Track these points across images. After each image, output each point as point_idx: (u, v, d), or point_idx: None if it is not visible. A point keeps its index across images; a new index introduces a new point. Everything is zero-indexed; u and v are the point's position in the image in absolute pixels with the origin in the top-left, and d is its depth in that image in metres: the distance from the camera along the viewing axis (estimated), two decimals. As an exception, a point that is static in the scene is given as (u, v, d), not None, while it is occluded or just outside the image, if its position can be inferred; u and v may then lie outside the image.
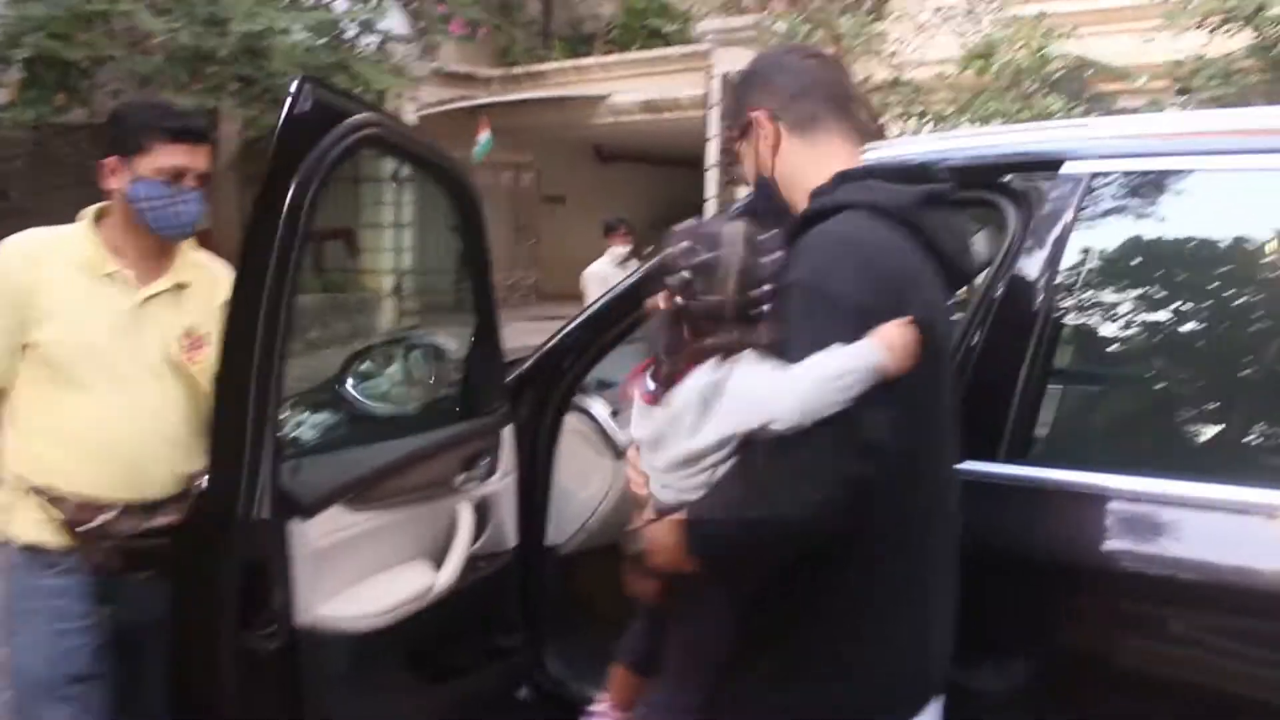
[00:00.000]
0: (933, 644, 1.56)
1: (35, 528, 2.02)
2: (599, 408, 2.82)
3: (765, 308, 1.45)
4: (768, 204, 1.69)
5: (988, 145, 2.26)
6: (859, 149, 1.68)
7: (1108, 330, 2.02)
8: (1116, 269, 1.99)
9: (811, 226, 1.51)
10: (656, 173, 16.13)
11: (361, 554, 1.98)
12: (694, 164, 12.78)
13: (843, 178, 1.58)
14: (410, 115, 12.80)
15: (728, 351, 1.44)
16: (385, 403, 2.55)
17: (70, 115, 10.52)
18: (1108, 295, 1.99)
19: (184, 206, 2.06)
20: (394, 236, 13.03)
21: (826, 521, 1.35)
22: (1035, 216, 2.00)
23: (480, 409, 2.47)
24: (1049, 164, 2.03)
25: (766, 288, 1.45)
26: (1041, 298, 1.93)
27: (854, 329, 1.37)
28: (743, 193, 1.90)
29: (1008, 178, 2.09)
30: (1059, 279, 1.94)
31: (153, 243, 2.10)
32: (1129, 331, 1.99)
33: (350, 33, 11.31)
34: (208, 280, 2.18)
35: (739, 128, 1.70)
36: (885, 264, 1.47)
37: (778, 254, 1.48)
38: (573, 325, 2.68)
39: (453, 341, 2.72)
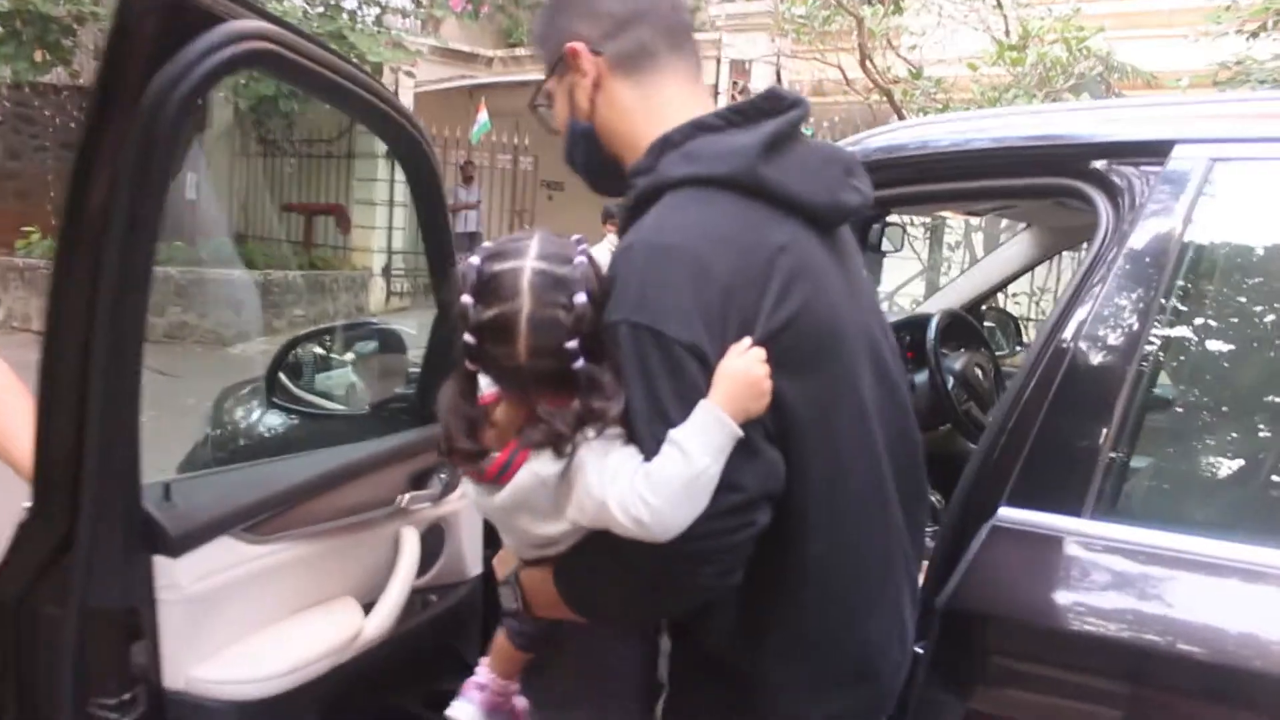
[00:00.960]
0: (871, 634, 1.34)
1: None
2: None
3: (577, 364, 1.16)
4: (588, 161, 1.38)
5: (1069, 125, 1.85)
6: (700, 94, 1.36)
7: (1230, 355, 1.60)
8: (1242, 278, 1.57)
9: (638, 218, 1.23)
10: (660, 162, 15.62)
11: (265, 596, 1.55)
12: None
13: (664, 143, 1.26)
14: (407, 92, 12.40)
15: (551, 438, 1.18)
16: (319, 403, 2.12)
17: (50, 75, 10.10)
18: (1230, 311, 1.57)
19: None
20: (386, 214, 12.58)
21: (711, 593, 1.20)
22: (1135, 213, 1.59)
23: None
24: (1154, 148, 1.62)
25: (573, 341, 1.16)
26: (1142, 314, 1.51)
27: (703, 373, 1.14)
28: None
29: (1098, 164, 1.68)
30: (1166, 291, 1.52)
31: None
32: (1258, 357, 1.57)
33: (350, 3, 10.92)
34: None
35: (549, 63, 1.36)
36: (725, 267, 1.16)
37: (582, 279, 1.18)
38: None
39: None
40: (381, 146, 12.27)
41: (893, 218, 2.77)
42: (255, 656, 1.50)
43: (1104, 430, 1.49)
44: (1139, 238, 1.57)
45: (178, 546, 1.33)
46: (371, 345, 2.28)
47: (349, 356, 2.26)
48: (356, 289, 12.30)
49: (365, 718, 1.83)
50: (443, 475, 1.98)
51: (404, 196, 12.59)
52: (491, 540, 2.22)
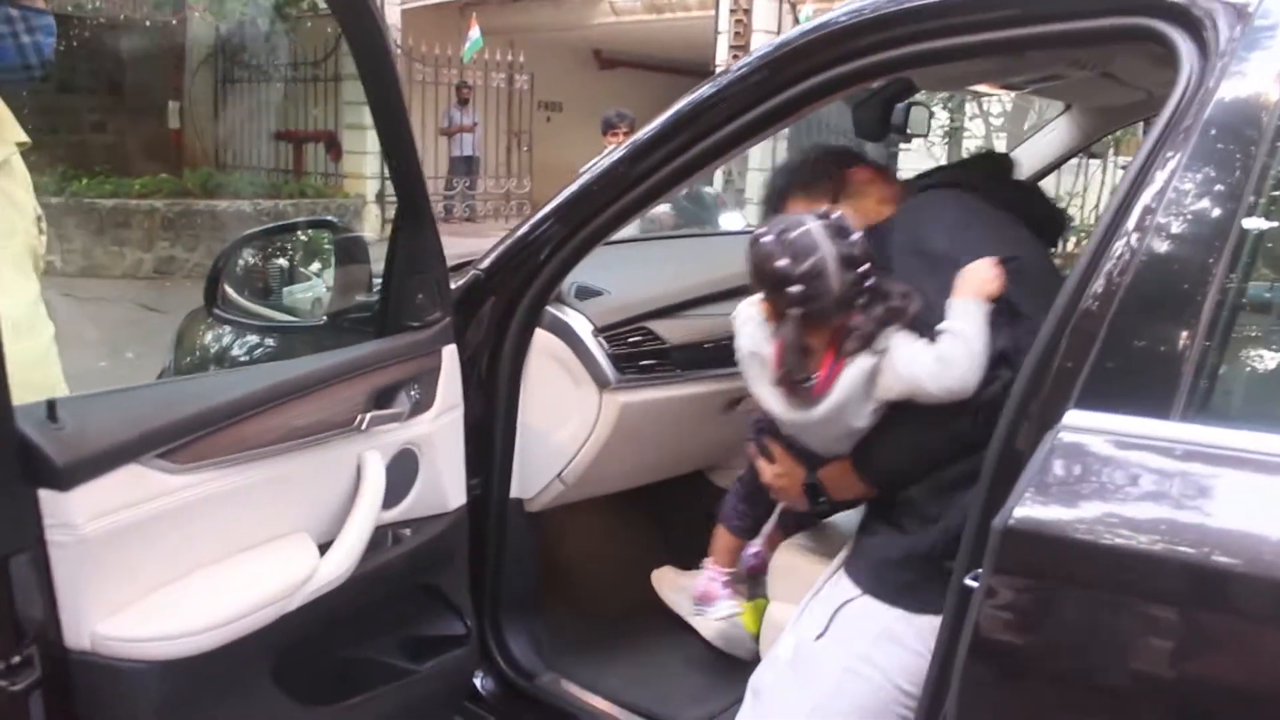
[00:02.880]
0: None
1: None
2: (579, 323, 2.10)
3: (869, 282, 1.60)
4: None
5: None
6: None
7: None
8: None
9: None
10: (659, 80, 15.18)
11: (191, 535, 1.30)
12: (700, 71, 11.92)
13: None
14: (394, 8, 11.95)
15: (865, 340, 1.60)
16: (267, 314, 1.85)
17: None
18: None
19: (40, 37, 1.32)
20: (378, 140, 12.17)
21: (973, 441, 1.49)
22: (1228, 57, 1.30)
23: (405, 322, 1.78)
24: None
25: (864, 267, 1.61)
26: (1239, 183, 1.24)
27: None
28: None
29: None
30: (1270, 154, 1.24)
31: None
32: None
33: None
34: None
35: None
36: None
37: (857, 233, 1.64)
38: (544, 214, 2.00)
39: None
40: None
41: (919, 97, 2.48)
42: (180, 607, 1.25)
43: (1193, 319, 1.23)
44: (1233, 88, 1.28)
45: (67, 477, 1.08)
46: (328, 248, 2.00)
47: (304, 261, 1.98)
48: (350, 217, 11.98)
49: (329, 671, 1.60)
50: (413, 392, 1.73)
51: (395, 120, 12.19)
52: (478, 469, 1.98)
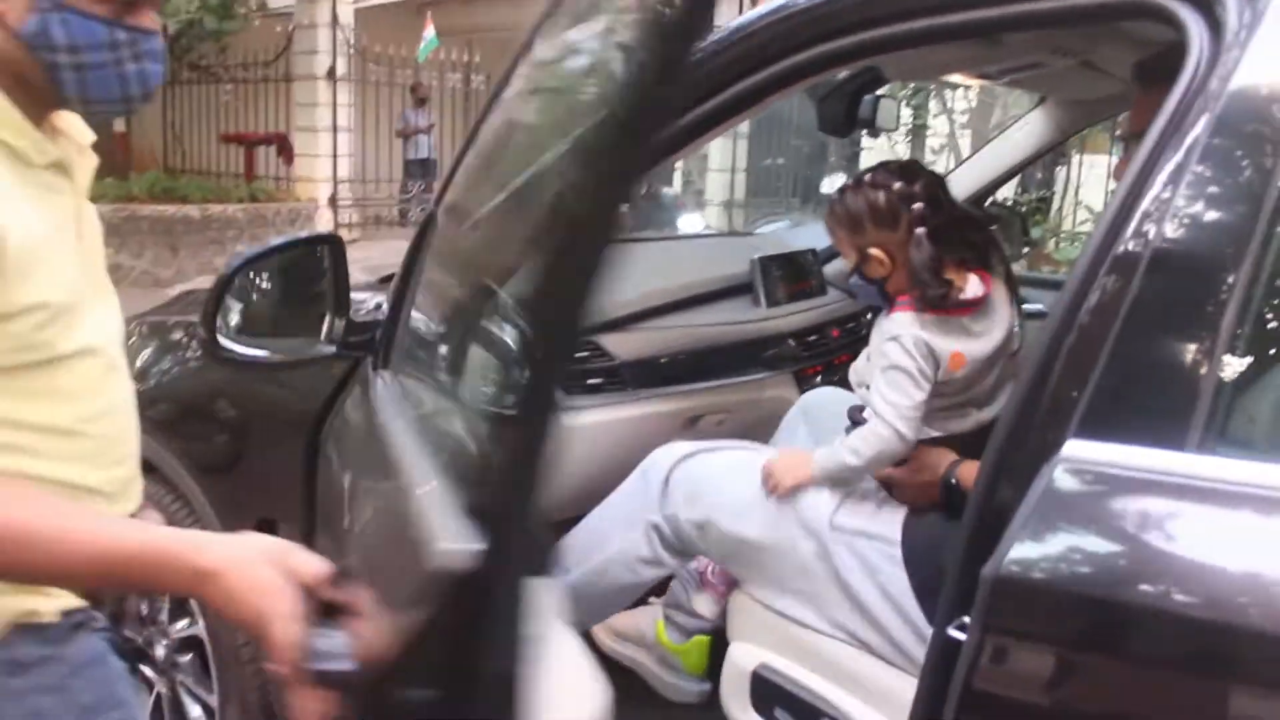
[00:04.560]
0: None
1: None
2: None
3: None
4: None
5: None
6: None
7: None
8: None
9: None
10: (619, 80, 15.00)
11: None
12: (659, 68, 11.79)
13: None
14: (347, 8, 11.70)
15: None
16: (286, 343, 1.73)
17: None
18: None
19: (147, 64, 1.14)
20: (330, 141, 11.92)
21: None
22: (1244, 36, 1.14)
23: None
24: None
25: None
26: (1261, 178, 1.08)
27: None
28: None
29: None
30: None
31: (40, 112, 1.15)
32: None
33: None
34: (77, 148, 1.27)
35: None
36: None
37: None
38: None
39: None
40: (322, 67, 11.71)
41: (884, 90, 2.33)
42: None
43: (1211, 334, 1.07)
44: (1251, 72, 1.12)
45: None
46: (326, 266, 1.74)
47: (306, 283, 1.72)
48: (302, 221, 11.70)
49: None
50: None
51: (348, 121, 11.95)
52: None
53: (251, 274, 1.69)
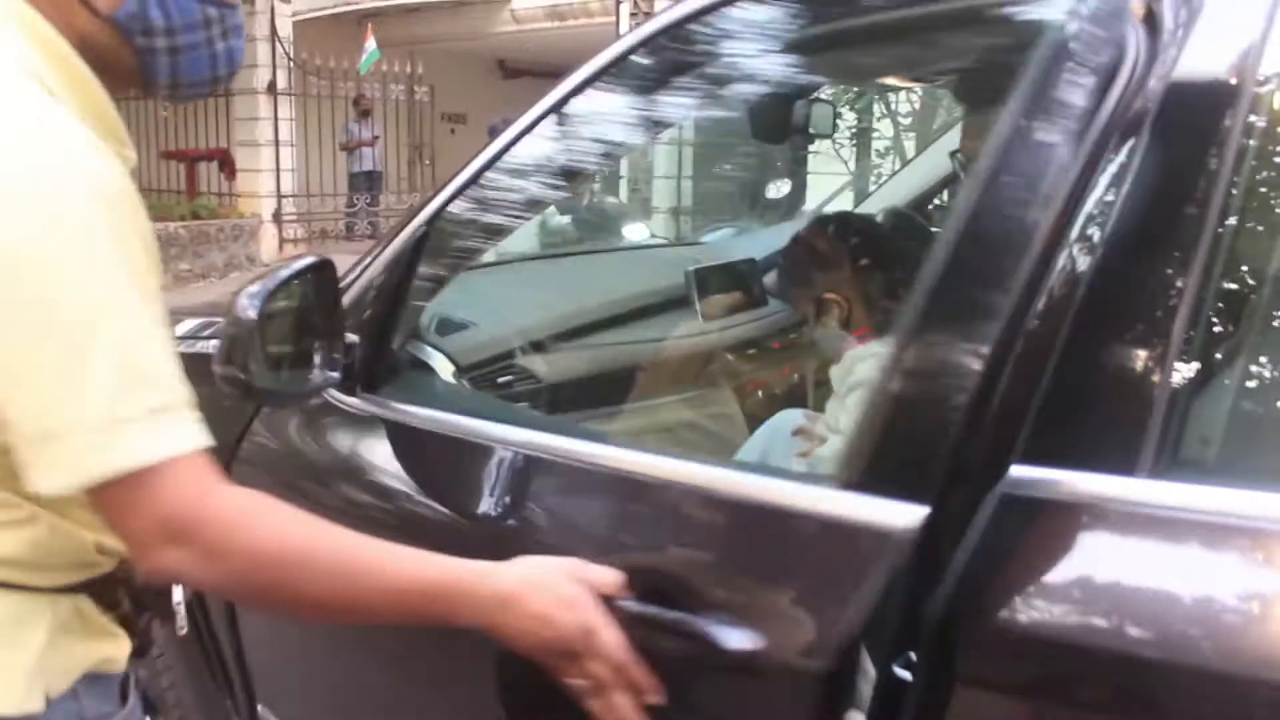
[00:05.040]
0: None
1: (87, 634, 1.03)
2: (439, 364, 1.72)
3: None
4: None
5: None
6: None
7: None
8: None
9: None
10: (566, 89, 14.93)
11: None
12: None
13: None
14: (285, 21, 11.52)
15: None
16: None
17: None
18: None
19: (234, 41, 1.09)
20: (272, 155, 11.71)
21: None
22: (1184, 31, 1.07)
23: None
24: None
25: None
26: (1205, 180, 1.01)
27: None
28: None
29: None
30: (1239, 160, 1.01)
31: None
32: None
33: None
34: None
35: None
36: None
37: None
38: (401, 240, 1.67)
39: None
40: (262, 81, 11.54)
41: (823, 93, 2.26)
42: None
43: (1163, 353, 0.99)
44: (1188, 71, 1.05)
45: None
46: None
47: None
48: (246, 238, 11.49)
49: None
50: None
51: (290, 135, 11.76)
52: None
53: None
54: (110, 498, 0.87)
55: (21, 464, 0.87)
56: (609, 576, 0.97)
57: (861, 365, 1.68)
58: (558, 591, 0.95)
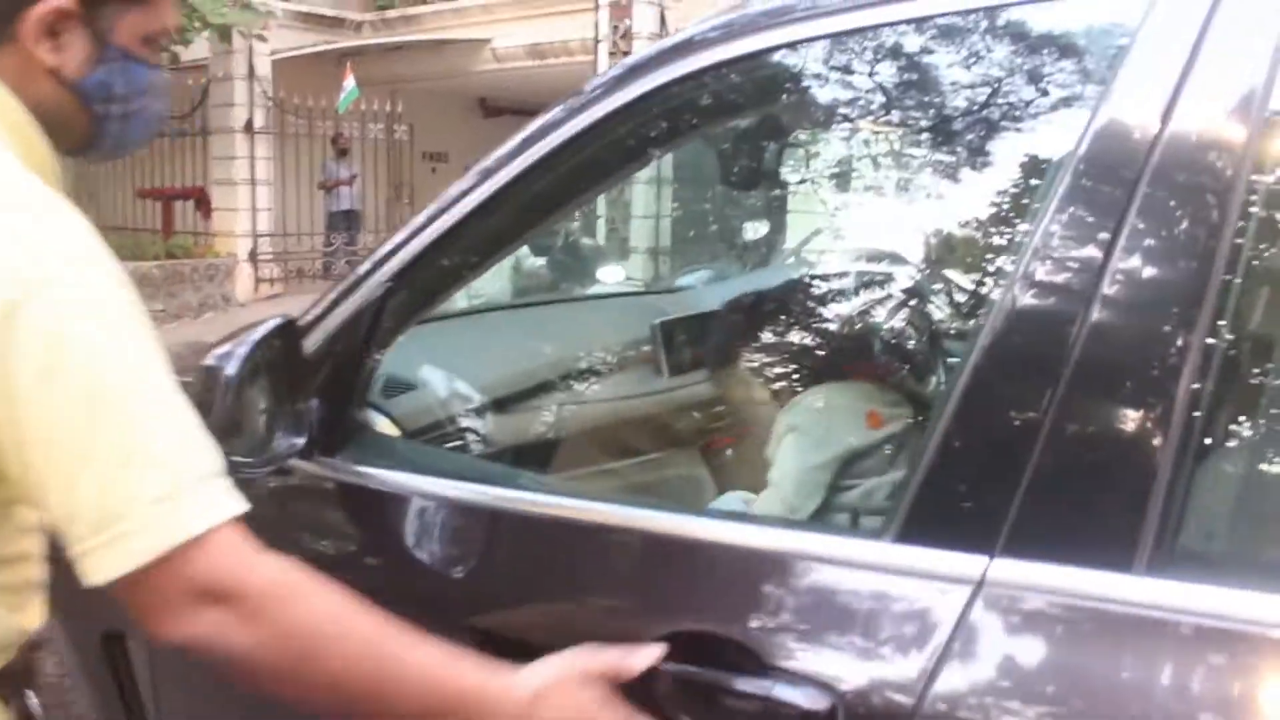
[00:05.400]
0: None
1: None
2: (383, 428, 1.63)
3: None
4: None
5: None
6: None
7: None
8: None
9: None
10: (547, 127, 14.89)
11: None
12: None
13: None
14: (264, 60, 11.47)
15: None
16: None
17: None
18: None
19: (164, 100, 1.13)
20: (249, 194, 11.61)
21: None
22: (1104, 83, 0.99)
23: None
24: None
25: None
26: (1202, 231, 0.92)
27: None
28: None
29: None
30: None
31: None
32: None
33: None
34: None
35: None
36: None
37: None
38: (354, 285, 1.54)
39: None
40: (239, 120, 11.45)
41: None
42: None
43: (1160, 430, 0.89)
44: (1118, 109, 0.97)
45: None
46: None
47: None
48: (221, 277, 11.36)
49: None
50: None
51: (267, 174, 11.67)
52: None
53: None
54: (153, 567, 0.86)
55: (75, 557, 0.86)
56: (624, 660, 0.98)
57: (787, 415, 1.70)
58: (581, 694, 0.95)
